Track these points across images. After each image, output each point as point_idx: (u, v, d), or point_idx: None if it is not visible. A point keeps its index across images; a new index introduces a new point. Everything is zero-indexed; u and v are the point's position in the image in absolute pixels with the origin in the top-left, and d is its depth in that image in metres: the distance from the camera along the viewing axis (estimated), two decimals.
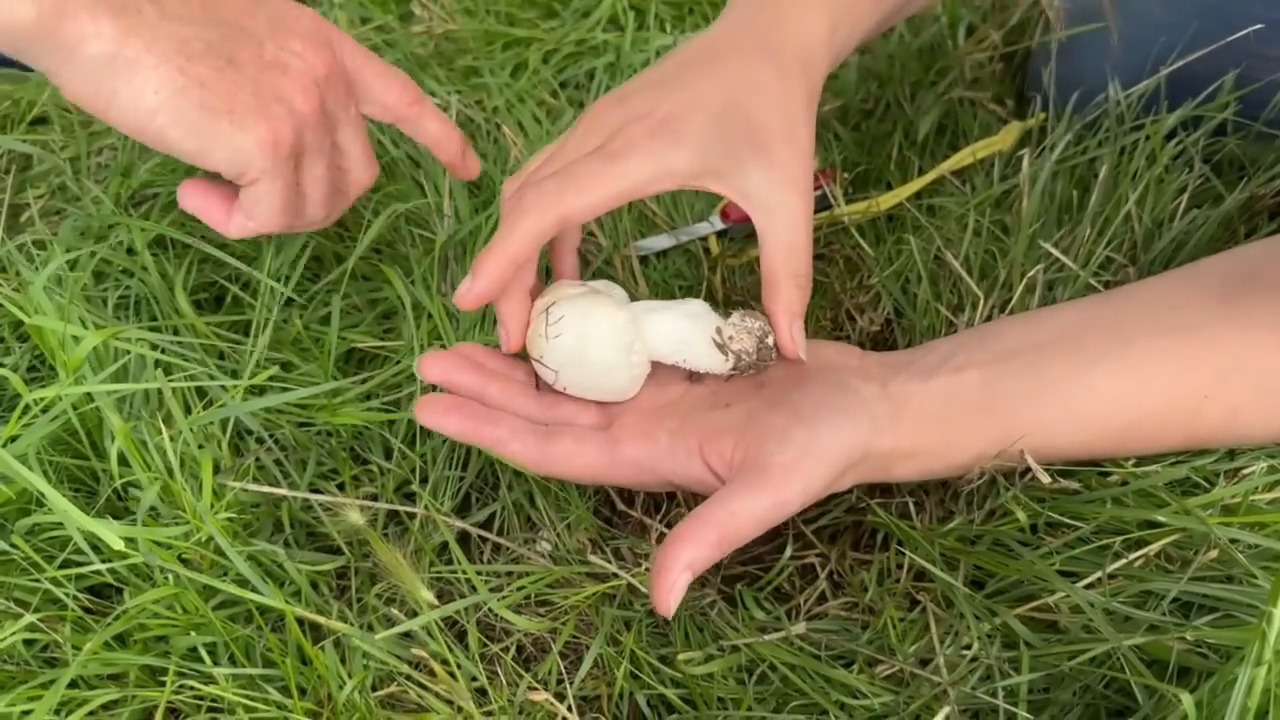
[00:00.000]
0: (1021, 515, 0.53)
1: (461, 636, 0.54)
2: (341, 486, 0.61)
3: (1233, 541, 0.50)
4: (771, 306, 0.53)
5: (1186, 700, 0.43)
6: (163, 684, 0.49)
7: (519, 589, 0.54)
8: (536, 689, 0.49)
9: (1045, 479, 0.52)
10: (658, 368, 0.56)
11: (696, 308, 0.55)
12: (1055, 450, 0.53)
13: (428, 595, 0.49)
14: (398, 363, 0.63)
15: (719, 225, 0.73)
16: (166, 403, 0.57)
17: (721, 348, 0.54)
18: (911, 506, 0.58)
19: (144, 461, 0.53)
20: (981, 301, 0.59)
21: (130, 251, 0.66)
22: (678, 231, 0.73)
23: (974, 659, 0.52)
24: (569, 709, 0.51)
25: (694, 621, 0.56)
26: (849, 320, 0.69)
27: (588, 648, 0.54)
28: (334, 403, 0.60)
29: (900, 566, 0.57)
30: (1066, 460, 0.54)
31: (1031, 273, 0.59)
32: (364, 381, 0.62)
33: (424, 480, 0.60)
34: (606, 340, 0.53)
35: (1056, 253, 0.60)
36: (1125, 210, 0.63)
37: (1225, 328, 0.51)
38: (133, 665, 0.49)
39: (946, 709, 0.49)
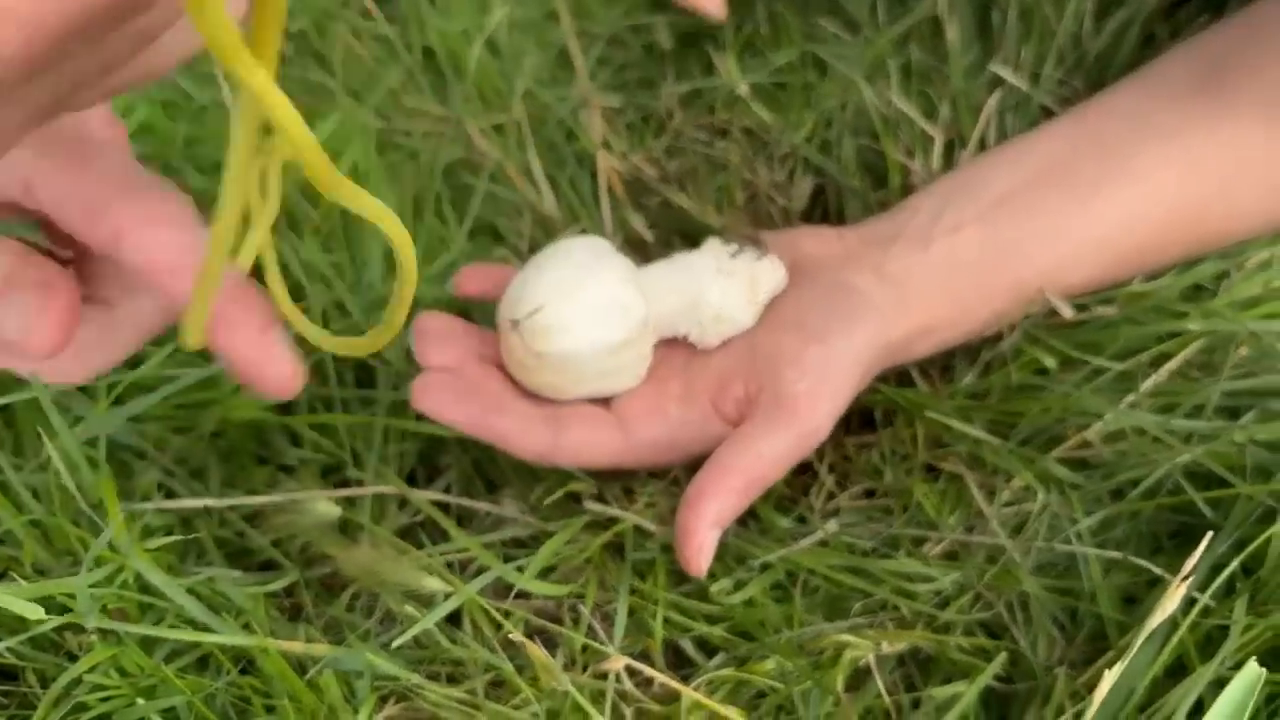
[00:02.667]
0: (1046, 358, 0.49)
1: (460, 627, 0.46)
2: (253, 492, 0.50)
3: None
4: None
5: None
6: None
7: (528, 555, 0.46)
8: (611, 656, 0.41)
9: (1069, 313, 0.48)
10: None
11: (700, 261, 0.48)
12: (1068, 289, 0.49)
13: (435, 583, 0.40)
14: None
15: None
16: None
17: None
18: (913, 373, 0.53)
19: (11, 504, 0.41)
20: (939, 142, 0.55)
21: None
22: None
23: (1025, 511, 0.49)
24: (618, 677, 0.44)
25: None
26: (769, 202, 0.63)
27: (609, 607, 0.47)
28: (227, 395, 0.49)
29: (913, 439, 0.52)
30: (1079, 296, 0.50)
31: (991, 100, 0.55)
32: None
33: (356, 461, 0.50)
34: (604, 351, 0.46)
35: (1008, 74, 0.56)
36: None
37: (1213, 122, 0.48)
38: None
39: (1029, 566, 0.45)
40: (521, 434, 0.45)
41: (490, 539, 0.48)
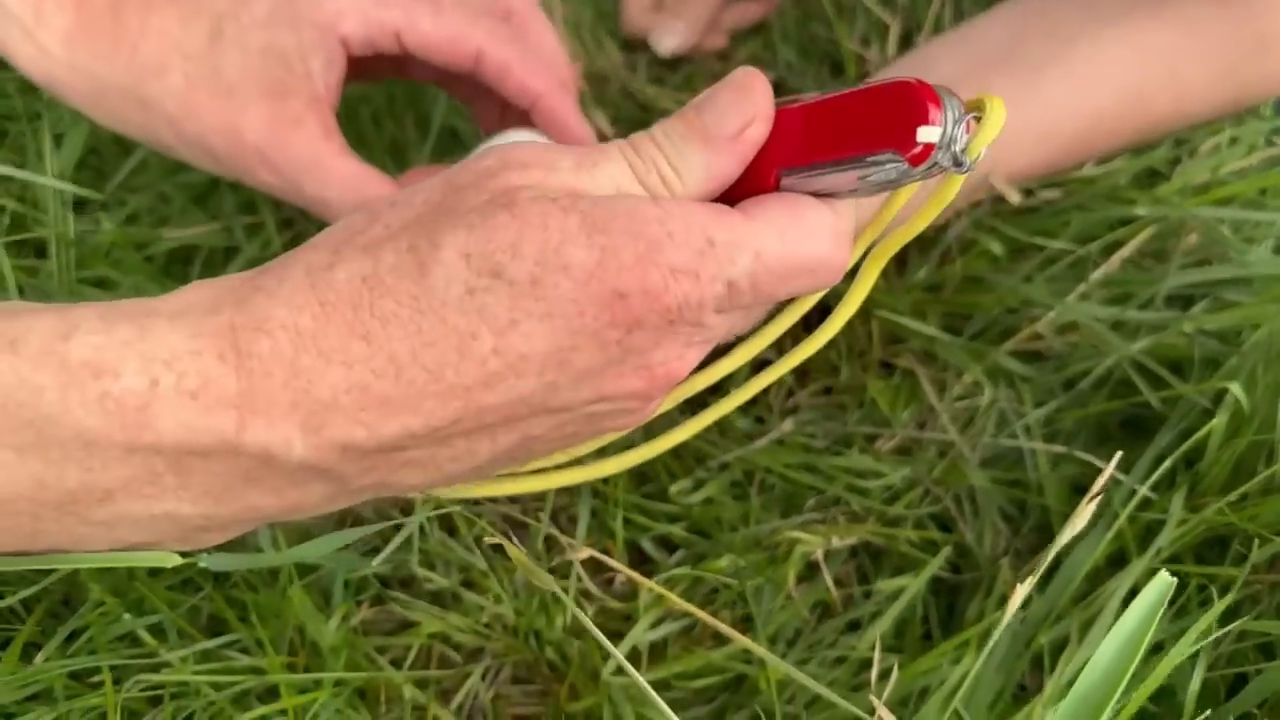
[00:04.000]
0: (995, 245, 0.50)
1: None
2: None
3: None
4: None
5: (1235, 389, 0.41)
6: (101, 687, 0.41)
7: None
8: (577, 547, 0.43)
9: (1015, 199, 0.48)
10: None
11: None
12: (1015, 175, 0.49)
13: None
14: (238, 251, 0.53)
15: None
16: None
17: None
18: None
19: None
20: (894, 31, 0.54)
21: None
22: None
23: (975, 406, 0.49)
24: (578, 576, 0.45)
25: (673, 452, 0.51)
26: None
27: (572, 510, 0.48)
28: None
29: (869, 335, 0.52)
30: (1025, 182, 0.50)
31: None
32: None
33: None
34: None
35: None
36: None
37: (1161, 3, 0.47)
38: (59, 676, 0.40)
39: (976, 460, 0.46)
40: None
41: None
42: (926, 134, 0.26)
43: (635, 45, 0.67)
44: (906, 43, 0.56)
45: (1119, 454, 0.38)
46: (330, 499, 0.30)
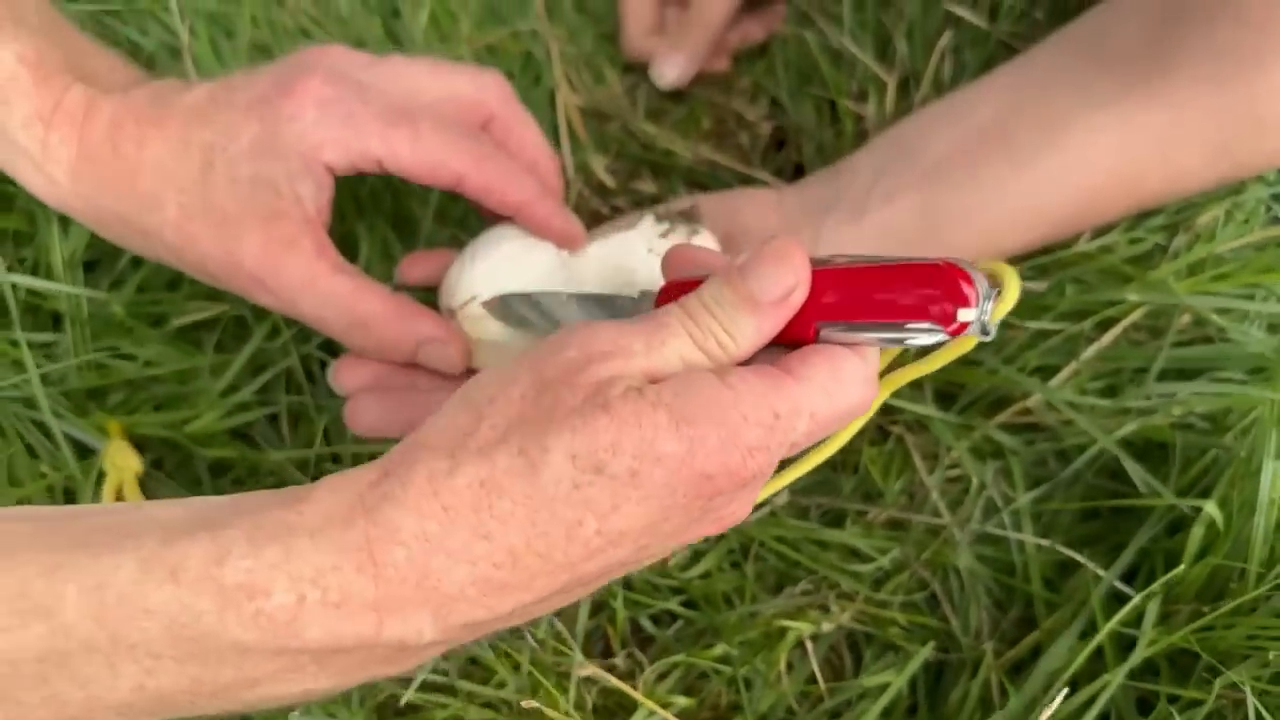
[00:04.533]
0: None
1: None
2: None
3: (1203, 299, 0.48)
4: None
5: (1210, 508, 0.41)
6: None
7: None
8: (575, 662, 0.45)
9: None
10: None
11: (632, 240, 0.48)
12: (1002, 254, 0.49)
13: None
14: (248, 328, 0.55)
15: None
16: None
17: None
18: None
19: None
20: (891, 87, 0.53)
21: None
22: None
23: (966, 478, 0.50)
24: (579, 661, 0.48)
25: None
26: (735, 132, 0.62)
27: None
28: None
29: None
30: (1014, 257, 0.50)
31: (941, 42, 0.52)
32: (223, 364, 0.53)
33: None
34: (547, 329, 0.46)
35: (964, 12, 0.53)
36: None
37: (1154, 85, 0.45)
38: None
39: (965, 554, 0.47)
40: None
41: None
42: (965, 314, 0.31)
43: (637, 69, 0.67)
44: (904, 91, 0.55)
45: (1100, 588, 0.39)
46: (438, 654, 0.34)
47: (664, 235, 0.49)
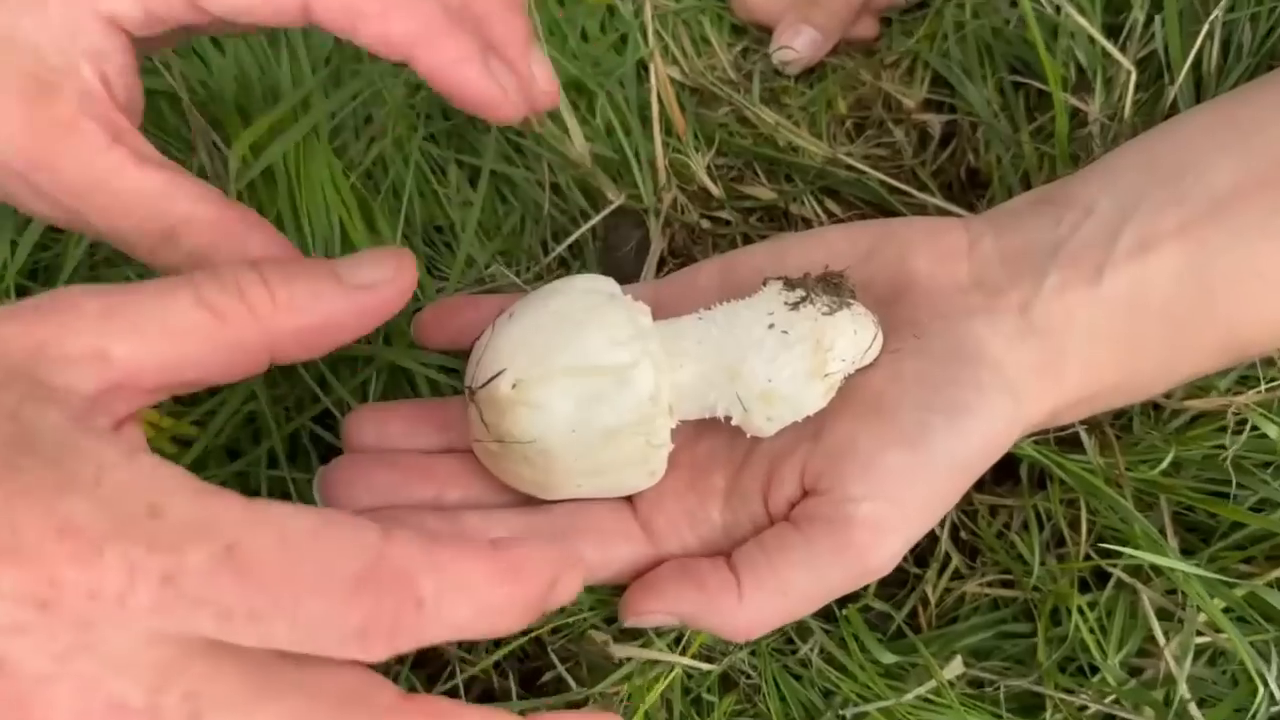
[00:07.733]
0: (1270, 427, 0.34)
1: None
2: None
3: None
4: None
5: None
6: None
7: None
8: None
9: None
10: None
11: (748, 311, 0.33)
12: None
13: None
14: None
15: None
16: None
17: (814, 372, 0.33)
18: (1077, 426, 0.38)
19: None
20: (1130, 77, 0.36)
21: None
22: None
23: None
24: None
25: (789, 671, 0.38)
26: (892, 120, 0.46)
27: None
28: None
29: (1074, 521, 0.38)
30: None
31: (1214, 13, 0.35)
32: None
33: None
34: (590, 439, 0.31)
35: None
36: None
37: None
38: None
39: None
40: None
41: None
42: None
43: (752, 32, 0.51)
44: (1146, 82, 0.38)
45: None
46: None
47: (794, 307, 0.33)
